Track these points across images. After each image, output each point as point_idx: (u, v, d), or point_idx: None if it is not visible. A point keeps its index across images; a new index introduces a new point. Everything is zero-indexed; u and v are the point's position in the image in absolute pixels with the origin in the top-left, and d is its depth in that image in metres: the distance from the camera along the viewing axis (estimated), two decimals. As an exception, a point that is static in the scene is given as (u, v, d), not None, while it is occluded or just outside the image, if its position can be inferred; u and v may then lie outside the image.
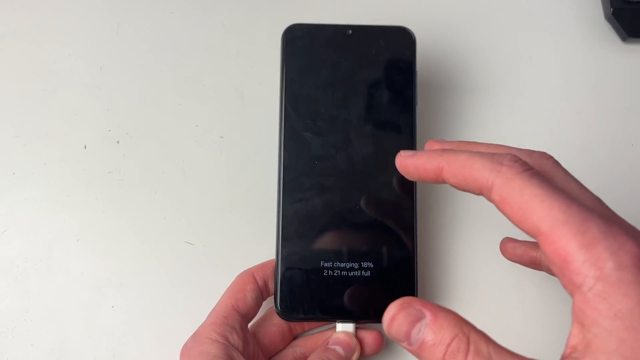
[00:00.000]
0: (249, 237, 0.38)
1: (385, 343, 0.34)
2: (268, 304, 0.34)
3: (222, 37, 0.42)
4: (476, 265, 0.37)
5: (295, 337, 0.35)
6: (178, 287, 0.37)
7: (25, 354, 0.35)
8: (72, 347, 0.35)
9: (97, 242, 0.37)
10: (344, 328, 0.33)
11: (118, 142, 0.39)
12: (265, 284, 0.33)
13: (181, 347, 0.31)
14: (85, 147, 0.39)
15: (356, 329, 0.33)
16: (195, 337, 0.31)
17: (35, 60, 0.41)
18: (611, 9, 0.41)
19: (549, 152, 0.29)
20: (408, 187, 0.33)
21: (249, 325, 0.33)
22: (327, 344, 0.32)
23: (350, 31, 0.35)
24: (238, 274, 0.34)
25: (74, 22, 0.42)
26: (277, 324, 0.33)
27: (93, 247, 0.37)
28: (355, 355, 0.32)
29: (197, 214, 0.38)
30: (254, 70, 0.41)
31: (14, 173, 0.39)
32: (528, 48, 0.41)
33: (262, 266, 0.33)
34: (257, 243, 0.37)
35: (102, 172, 0.39)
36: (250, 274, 0.33)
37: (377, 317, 0.32)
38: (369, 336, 0.33)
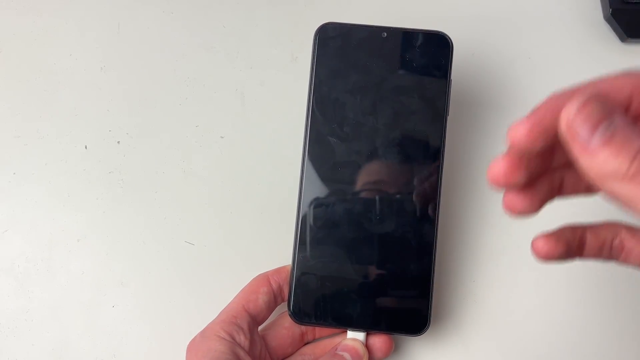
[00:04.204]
0: (249, 236, 0.38)
1: (394, 347, 0.34)
2: (282, 308, 0.34)
3: (223, 38, 0.42)
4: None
5: (305, 344, 0.35)
6: (178, 286, 0.37)
7: (26, 353, 0.35)
8: (73, 346, 0.36)
9: (97, 242, 0.37)
10: (354, 336, 0.33)
11: (119, 142, 0.39)
12: (280, 288, 0.33)
13: (182, 346, 0.31)
14: (86, 148, 0.39)
15: (366, 336, 0.33)
16: (203, 333, 0.31)
17: (36, 60, 0.41)
18: (610, 10, 0.41)
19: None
20: (431, 200, 0.32)
21: (260, 328, 0.33)
22: (336, 350, 0.32)
23: (385, 34, 0.33)
24: (238, 273, 0.34)
25: (74, 22, 0.42)
26: (288, 327, 0.33)
27: (94, 247, 0.37)
28: None
29: (197, 214, 0.38)
30: (254, 71, 0.41)
31: (14, 173, 0.39)
32: (527, 49, 0.41)
33: (278, 271, 0.33)
34: (258, 243, 0.37)
35: (102, 172, 0.39)
36: (265, 277, 0.33)
37: (389, 328, 0.32)
38: (378, 341, 0.33)
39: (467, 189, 0.38)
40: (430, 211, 0.32)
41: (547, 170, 0.24)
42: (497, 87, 0.41)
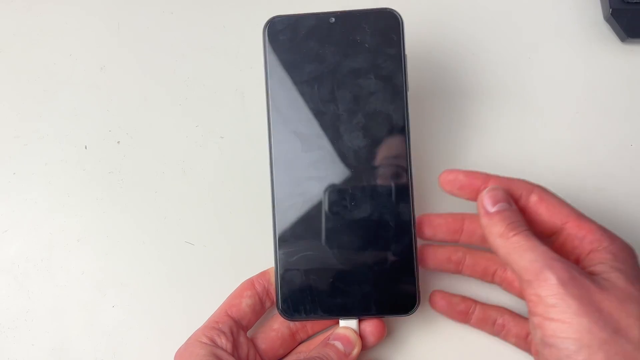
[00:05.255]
0: (249, 236, 0.38)
1: (387, 332, 0.34)
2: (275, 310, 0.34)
3: (222, 38, 0.42)
4: None
5: (300, 343, 0.35)
6: (178, 287, 0.37)
7: (25, 353, 0.35)
8: (73, 346, 0.36)
9: (97, 242, 0.37)
10: (346, 324, 0.33)
11: (118, 142, 0.39)
12: (266, 290, 0.33)
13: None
14: (86, 148, 0.39)
15: (359, 323, 0.33)
16: (187, 341, 0.32)
17: (36, 60, 0.41)
18: (610, 10, 0.41)
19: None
20: (403, 181, 0.33)
21: (250, 331, 0.33)
22: (328, 340, 0.32)
23: (333, 19, 0.33)
24: (238, 273, 0.34)
25: (74, 22, 0.42)
26: (276, 329, 0.33)
27: (93, 247, 0.37)
28: (356, 350, 0.32)
29: (197, 214, 0.38)
30: (254, 71, 0.41)
31: (14, 173, 0.39)
32: (527, 49, 0.41)
33: (262, 273, 0.34)
34: (257, 243, 0.37)
35: (102, 172, 0.39)
36: (250, 282, 0.33)
37: (379, 312, 0.32)
38: (369, 325, 0.33)
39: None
40: (403, 189, 0.32)
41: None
42: (497, 87, 0.41)
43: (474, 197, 0.32)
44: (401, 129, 0.33)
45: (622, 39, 0.41)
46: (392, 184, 0.33)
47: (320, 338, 0.34)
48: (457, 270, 0.34)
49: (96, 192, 0.38)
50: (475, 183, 0.32)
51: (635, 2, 0.41)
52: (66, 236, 0.38)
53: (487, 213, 0.30)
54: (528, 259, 0.28)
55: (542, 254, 0.28)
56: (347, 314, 0.32)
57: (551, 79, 0.41)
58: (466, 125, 0.40)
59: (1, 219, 0.38)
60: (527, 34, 0.42)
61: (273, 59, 0.33)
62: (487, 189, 0.31)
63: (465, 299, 0.34)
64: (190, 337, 0.32)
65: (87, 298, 0.36)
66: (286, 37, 0.33)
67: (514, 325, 0.33)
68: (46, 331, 0.36)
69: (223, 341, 0.31)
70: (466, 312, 0.34)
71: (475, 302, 0.34)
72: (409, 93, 0.33)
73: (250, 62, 0.41)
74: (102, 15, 0.42)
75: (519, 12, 0.42)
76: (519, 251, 0.28)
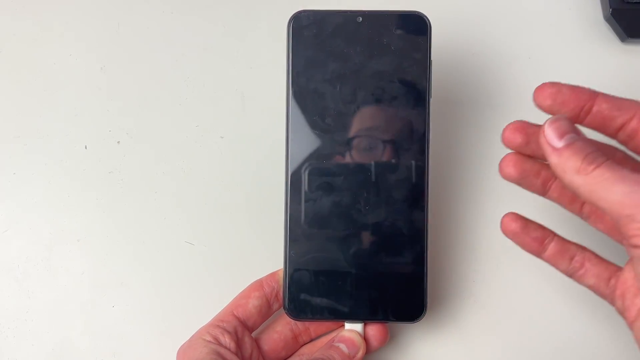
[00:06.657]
0: (249, 236, 0.38)
1: (390, 336, 0.34)
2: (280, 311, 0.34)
3: (222, 37, 0.42)
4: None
5: (303, 345, 0.35)
6: (178, 287, 0.37)
7: (25, 353, 0.35)
8: (73, 346, 0.36)
9: (97, 242, 0.37)
10: (352, 327, 0.33)
11: (118, 142, 0.39)
12: (275, 291, 0.33)
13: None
14: (86, 148, 0.39)
15: (364, 327, 0.33)
16: (191, 338, 0.32)
17: (36, 60, 0.41)
18: (610, 10, 0.41)
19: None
20: (419, 187, 0.32)
21: (256, 332, 0.34)
22: (333, 342, 0.32)
23: (361, 18, 0.32)
24: (237, 273, 0.34)
25: (74, 22, 0.42)
26: (279, 331, 0.33)
27: (93, 247, 0.37)
28: (360, 353, 0.32)
29: (197, 214, 0.38)
30: (254, 71, 0.41)
31: (14, 173, 0.39)
32: (527, 49, 0.41)
33: (272, 274, 0.34)
34: (258, 243, 0.37)
35: (102, 172, 0.39)
36: (259, 282, 0.33)
37: (386, 317, 0.32)
38: (373, 330, 0.33)
39: (466, 188, 0.38)
40: (419, 197, 0.32)
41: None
42: (497, 87, 0.41)
43: (577, 117, 0.28)
44: (421, 137, 0.32)
45: (622, 39, 0.41)
46: (409, 191, 0.32)
47: (323, 340, 0.34)
48: (543, 189, 0.30)
49: (96, 192, 0.38)
50: (581, 98, 0.28)
51: (635, 2, 0.41)
52: (66, 236, 0.38)
53: (555, 149, 0.26)
54: (621, 192, 0.23)
55: (637, 182, 0.23)
56: (354, 318, 0.32)
57: (551, 79, 0.41)
58: (465, 125, 0.40)
59: (1, 219, 0.38)
60: (527, 34, 0.42)
61: (297, 54, 0.32)
62: (548, 120, 0.27)
63: (542, 227, 0.30)
64: (194, 335, 0.32)
65: (87, 298, 0.36)
66: (311, 33, 0.32)
67: (594, 265, 0.29)
68: (46, 331, 0.36)
69: (227, 340, 0.31)
70: (542, 240, 0.30)
71: (554, 233, 0.30)
72: (431, 100, 0.32)
73: (250, 62, 0.41)
74: (102, 15, 0.42)
75: (518, 12, 0.42)
76: (606, 185, 0.24)
